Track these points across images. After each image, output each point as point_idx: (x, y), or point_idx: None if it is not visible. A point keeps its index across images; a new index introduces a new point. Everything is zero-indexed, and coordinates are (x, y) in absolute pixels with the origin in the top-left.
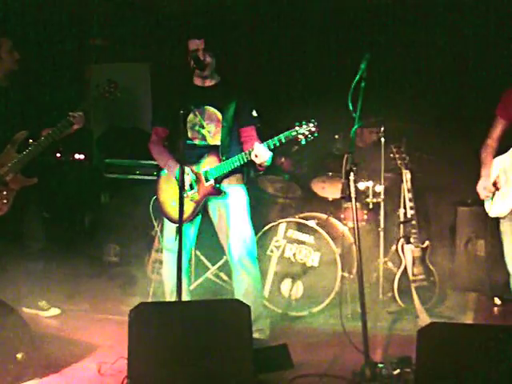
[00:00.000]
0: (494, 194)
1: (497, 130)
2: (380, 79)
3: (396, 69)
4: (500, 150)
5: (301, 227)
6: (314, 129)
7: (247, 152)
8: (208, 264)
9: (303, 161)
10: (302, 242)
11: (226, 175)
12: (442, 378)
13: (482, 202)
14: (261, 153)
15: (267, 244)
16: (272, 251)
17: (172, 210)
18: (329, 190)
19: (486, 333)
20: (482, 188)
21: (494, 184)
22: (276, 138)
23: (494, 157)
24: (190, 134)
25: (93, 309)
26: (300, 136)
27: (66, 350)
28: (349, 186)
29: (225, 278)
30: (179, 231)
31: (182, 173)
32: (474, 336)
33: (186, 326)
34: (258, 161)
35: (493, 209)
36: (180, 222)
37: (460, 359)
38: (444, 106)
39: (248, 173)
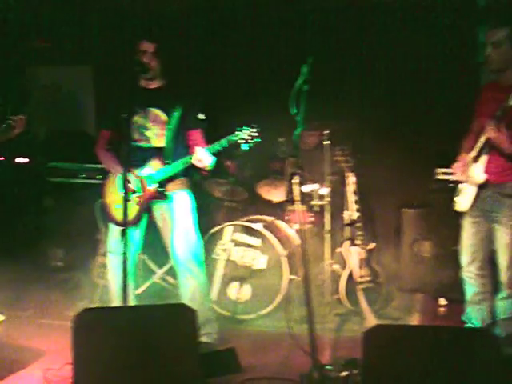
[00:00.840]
0: (459, 191)
1: (474, 127)
2: (324, 82)
3: (340, 72)
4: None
5: (247, 230)
6: (255, 134)
7: (189, 156)
8: (155, 268)
9: (249, 164)
10: (249, 245)
11: (171, 179)
12: (387, 379)
13: (426, 204)
14: (203, 158)
15: (214, 247)
16: (219, 254)
17: (116, 213)
18: (274, 192)
19: (430, 334)
20: (461, 164)
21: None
22: (217, 144)
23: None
24: (135, 136)
25: (38, 314)
26: (241, 140)
27: (11, 357)
28: (292, 188)
29: (172, 281)
30: (123, 235)
31: (126, 176)
32: (418, 337)
33: (131, 331)
34: (200, 165)
35: (457, 203)
36: (124, 226)
37: (405, 360)
38: (390, 110)
39: (194, 176)
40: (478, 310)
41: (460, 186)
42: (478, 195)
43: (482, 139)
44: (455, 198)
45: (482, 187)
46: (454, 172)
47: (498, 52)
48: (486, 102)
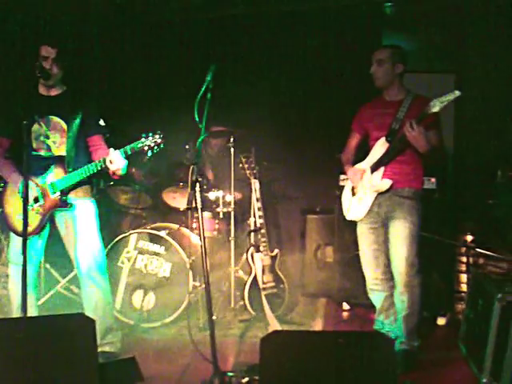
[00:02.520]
0: (350, 199)
1: (352, 142)
2: (227, 89)
3: (245, 79)
4: (357, 159)
5: (152, 238)
6: (159, 140)
7: (102, 160)
8: (58, 277)
9: (154, 171)
10: (154, 253)
11: (73, 187)
12: None
13: (329, 210)
14: (116, 159)
15: (118, 255)
16: (123, 262)
17: (17, 223)
18: (180, 200)
19: (326, 339)
20: (352, 174)
21: (352, 189)
22: (122, 150)
23: (354, 163)
24: (34, 145)
25: None
26: (146, 147)
27: None
28: (195, 196)
29: (76, 290)
30: (23, 245)
31: (26, 185)
32: (315, 342)
33: (30, 343)
34: (112, 168)
35: (350, 213)
36: (24, 236)
37: (301, 365)
38: (294, 117)
39: (98, 184)
40: (389, 316)
41: (347, 197)
42: (374, 202)
43: (380, 149)
44: (345, 209)
45: (380, 193)
46: (352, 179)
47: (381, 70)
48: (373, 117)
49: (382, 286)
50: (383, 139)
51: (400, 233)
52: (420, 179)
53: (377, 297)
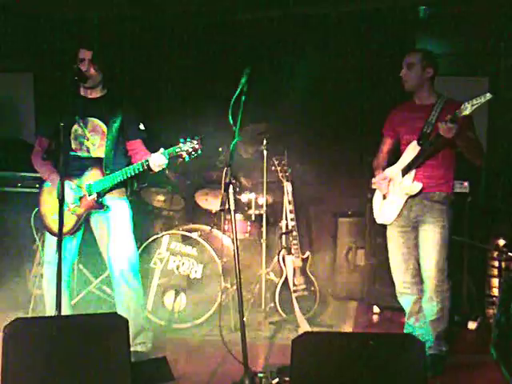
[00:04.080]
0: (381, 203)
1: (384, 147)
2: (263, 92)
3: (278, 82)
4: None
5: (184, 239)
6: (197, 146)
7: (144, 161)
8: (91, 277)
9: (187, 173)
10: (186, 255)
11: (109, 189)
12: None
13: (361, 214)
14: (161, 162)
15: (151, 256)
16: (155, 263)
17: (53, 223)
18: (212, 202)
19: (357, 340)
20: (379, 182)
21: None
22: (173, 148)
23: (385, 168)
24: (73, 146)
25: None
26: (183, 153)
27: None
28: (228, 198)
29: (108, 291)
30: (59, 244)
31: (63, 186)
32: (346, 344)
33: (63, 341)
34: (156, 169)
35: (380, 216)
36: (60, 236)
37: (332, 366)
38: (326, 120)
39: (131, 185)
40: (419, 319)
41: (378, 200)
42: (404, 205)
43: (411, 153)
44: (375, 212)
45: (410, 197)
46: (378, 187)
47: (411, 73)
48: (404, 121)
49: (412, 290)
50: (415, 143)
51: (430, 237)
52: (451, 183)
53: (406, 300)
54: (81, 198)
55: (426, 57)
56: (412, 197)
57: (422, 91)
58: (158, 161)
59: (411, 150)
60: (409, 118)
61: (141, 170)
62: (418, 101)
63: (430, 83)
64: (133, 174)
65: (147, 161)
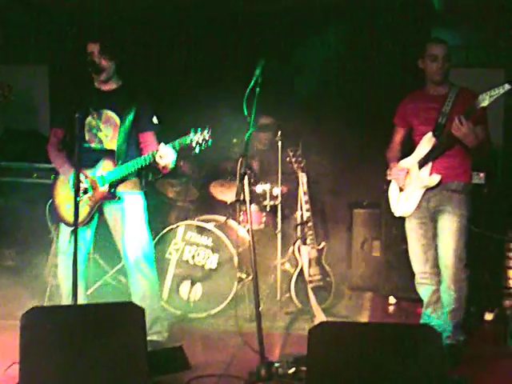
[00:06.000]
0: (398, 195)
1: (396, 137)
2: (277, 83)
3: (292, 73)
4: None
5: (199, 230)
6: (207, 136)
7: (151, 153)
8: (106, 267)
9: (202, 164)
10: (201, 245)
11: (122, 180)
12: (331, 375)
13: (376, 205)
14: (166, 153)
15: (166, 247)
16: (171, 254)
17: (67, 213)
18: (227, 193)
19: (374, 330)
20: (396, 174)
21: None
22: (170, 144)
23: (400, 159)
24: (87, 137)
25: None
26: (194, 143)
27: None
28: (243, 189)
29: (123, 280)
30: (74, 234)
31: (78, 177)
32: (362, 334)
33: (79, 330)
34: (162, 162)
35: (398, 209)
36: (75, 226)
37: (349, 356)
38: (343, 110)
39: (146, 177)
40: (437, 310)
41: (394, 192)
42: (422, 197)
43: (427, 144)
44: (393, 205)
45: (428, 188)
46: (396, 179)
47: (436, 65)
48: (417, 111)
49: (431, 280)
50: (430, 134)
51: (449, 226)
52: (468, 172)
53: (425, 291)
54: (93, 189)
55: (447, 48)
56: (430, 188)
57: (440, 82)
58: (163, 153)
59: (426, 142)
60: (422, 108)
61: (152, 160)
62: (432, 91)
63: (448, 74)
64: (143, 164)
65: (158, 151)
